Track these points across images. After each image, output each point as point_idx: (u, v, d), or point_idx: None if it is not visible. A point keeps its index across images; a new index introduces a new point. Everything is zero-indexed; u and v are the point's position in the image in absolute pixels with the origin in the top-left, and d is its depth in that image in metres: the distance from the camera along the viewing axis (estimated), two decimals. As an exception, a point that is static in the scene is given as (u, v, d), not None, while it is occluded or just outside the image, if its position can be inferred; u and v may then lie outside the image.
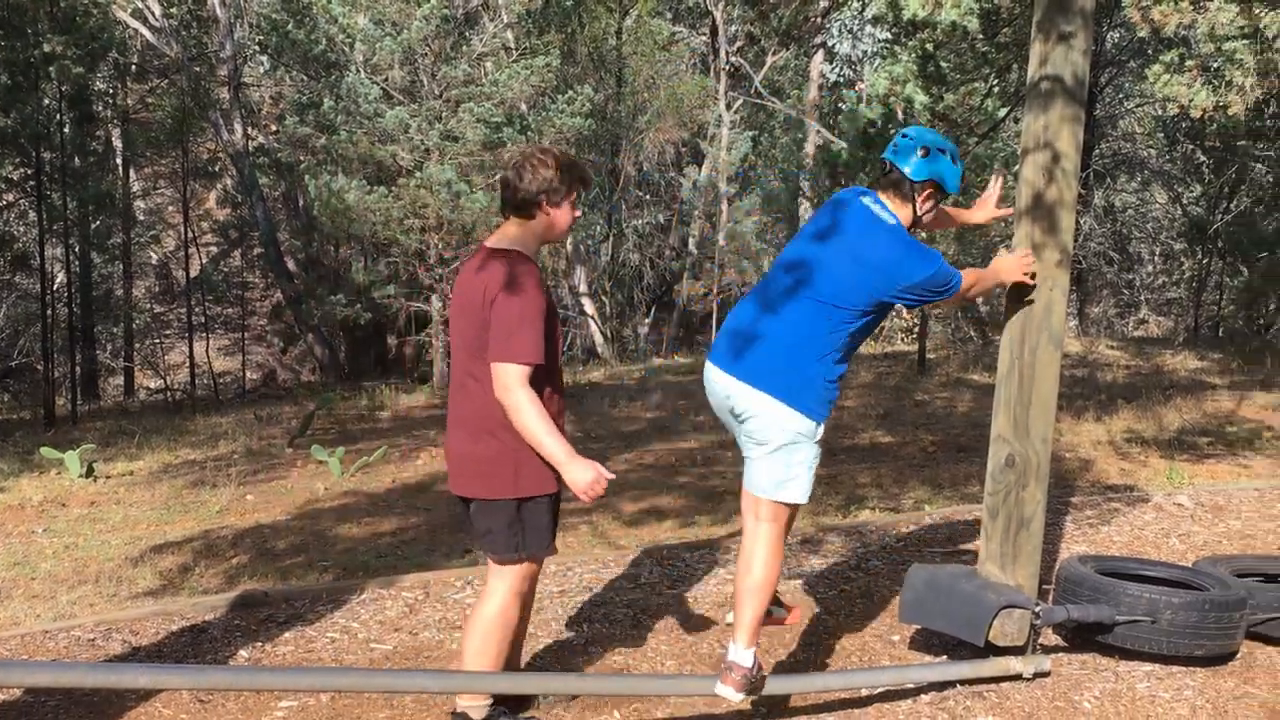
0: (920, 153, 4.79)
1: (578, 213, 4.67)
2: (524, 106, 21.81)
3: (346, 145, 19.59)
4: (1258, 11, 6.70)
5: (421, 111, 19.47)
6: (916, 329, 20.59)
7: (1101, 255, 27.36)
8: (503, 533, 4.48)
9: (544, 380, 4.41)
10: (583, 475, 4.38)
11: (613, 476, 4.48)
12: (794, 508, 4.75)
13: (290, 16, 21.69)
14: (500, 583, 4.56)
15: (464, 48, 20.46)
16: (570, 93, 21.20)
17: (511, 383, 4.27)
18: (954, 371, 16.50)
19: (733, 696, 4.53)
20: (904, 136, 4.91)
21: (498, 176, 20.23)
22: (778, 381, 4.52)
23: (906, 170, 4.77)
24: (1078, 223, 25.35)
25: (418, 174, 18.96)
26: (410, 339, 24.30)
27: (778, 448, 4.55)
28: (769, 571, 4.62)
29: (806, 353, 4.55)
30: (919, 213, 4.85)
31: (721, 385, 4.64)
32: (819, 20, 25.25)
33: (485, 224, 19.15)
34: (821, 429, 4.64)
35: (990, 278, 5.05)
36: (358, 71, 19.85)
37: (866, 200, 4.79)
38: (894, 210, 4.77)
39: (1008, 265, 5.05)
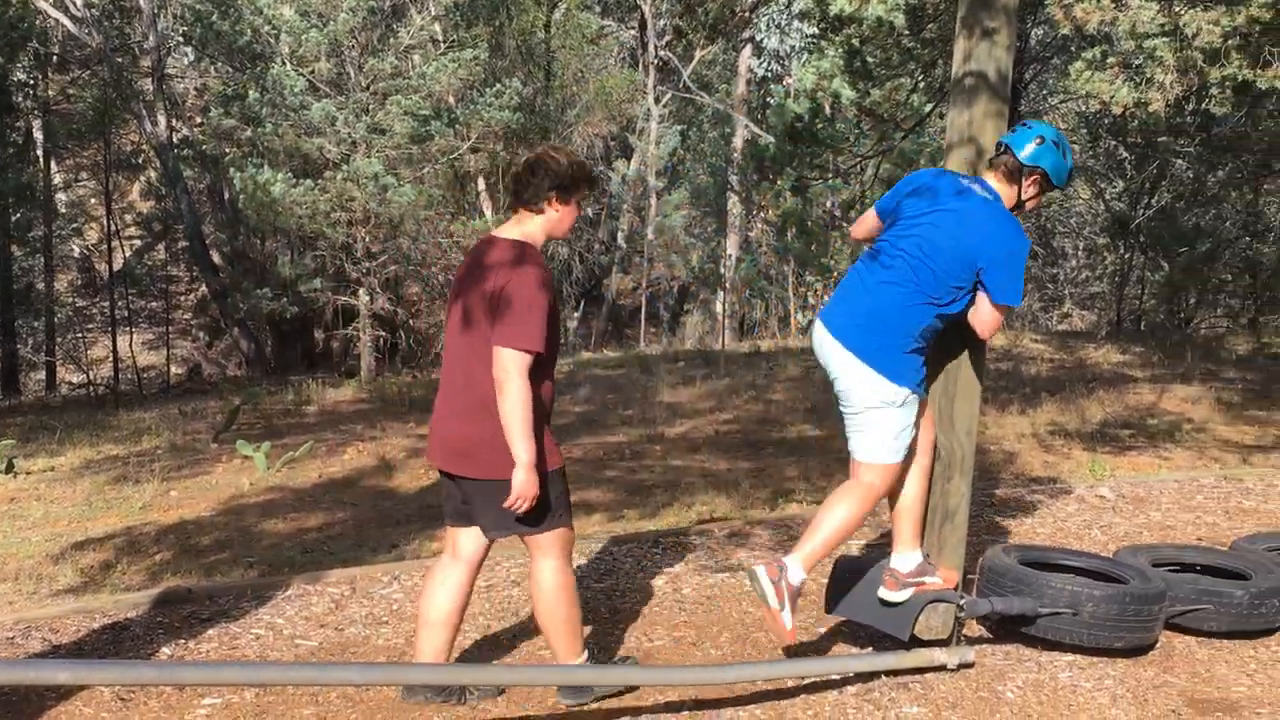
0: (1036, 141, 4.98)
1: (580, 211, 4.89)
2: (452, 99, 21.71)
3: (272, 138, 19.42)
4: (1177, 10, 6.79)
5: (348, 104, 19.35)
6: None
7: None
8: (532, 510, 4.57)
9: (542, 371, 4.58)
10: (528, 486, 4.46)
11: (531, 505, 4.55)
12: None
13: (214, 7, 21.42)
14: (546, 558, 4.76)
15: (391, 40, 20.35)
16: (498, 86, 21.13)
17: (510, 368, 4.41)
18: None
19: (896, 596, 5.10)
20: (1024, 125, 5.10)
21: (424, 169, 20.17)
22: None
23: (1020, 154, 4.96)
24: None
25: (344, 167, 18.84)
26: (338, 333, 24.13)
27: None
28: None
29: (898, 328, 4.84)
30: (1023, 197, 5.06)
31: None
32: (747, 15, 25.35)
33: (413, 217, 19.07)
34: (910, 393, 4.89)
35: None
36: (283, 63, 19.68)
37: (966, 181, 5.02)
38: (997, 190, 5.00)
39: None
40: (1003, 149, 5.03)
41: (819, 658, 5.49)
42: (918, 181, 5.11)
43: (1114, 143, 23.98)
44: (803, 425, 12.22)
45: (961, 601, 5.24)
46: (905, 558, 5.17)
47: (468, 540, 4.87)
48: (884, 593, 5.11)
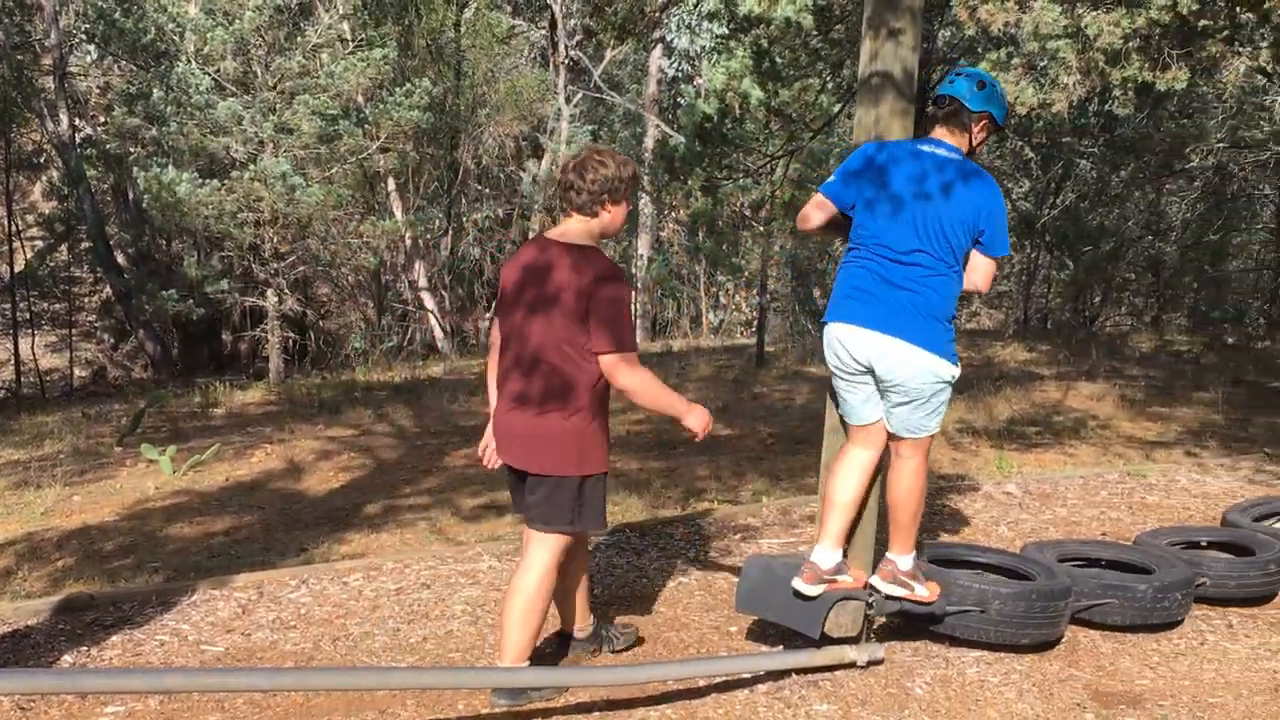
0: (979, 85, 5.12)
1: (630, 207, 5.11)
2: (361, 99, 21.54)
3: (177, 137, 19.16)
4: (1079, 12, 6.88)
5: (255, 103, 19.13)
6: (755, 321, 20.80)
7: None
8: (564, 507, 4.84)
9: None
10: (699, 419, 5.09)
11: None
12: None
13: (117, 5, 21.10)
14: (543, 553, 4.90)
15: (299, 39, 20.15)
16: (408, 85, 20.99)
17: (630, 368, 4.80)
18: (792, 364, 16.67)
19: (888, 588, 5.24)
20: (958, 73, 5.23)
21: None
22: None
23: (968, 101, 5.09)
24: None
25: (252, 167, 18.62)
26: (246, 335, 23.88)
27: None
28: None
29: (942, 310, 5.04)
30: (974, 143, 5.22)
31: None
32: (657, 15, 25.37)
33: (322, 218, 18.90)
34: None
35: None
36: (188, 62, 19.42)
37: (926, 147, 5.11)
38: (952, 143, 5.13)
39: None
40: (947, 101, 5.15)
41: (730, 657, 5.50)
42: (881, 159, 5.13)
43: (1020, 143, 24.28)
44: (714, 424, 12.23)
45: (871, 600, 5.27)
46: (827, 554, 5.23)
47: None
48: (799, 584, 5.15)
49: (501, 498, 9.13)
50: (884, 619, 5.47)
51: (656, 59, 28.43)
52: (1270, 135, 21.27)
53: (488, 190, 30.59)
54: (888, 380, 5.02)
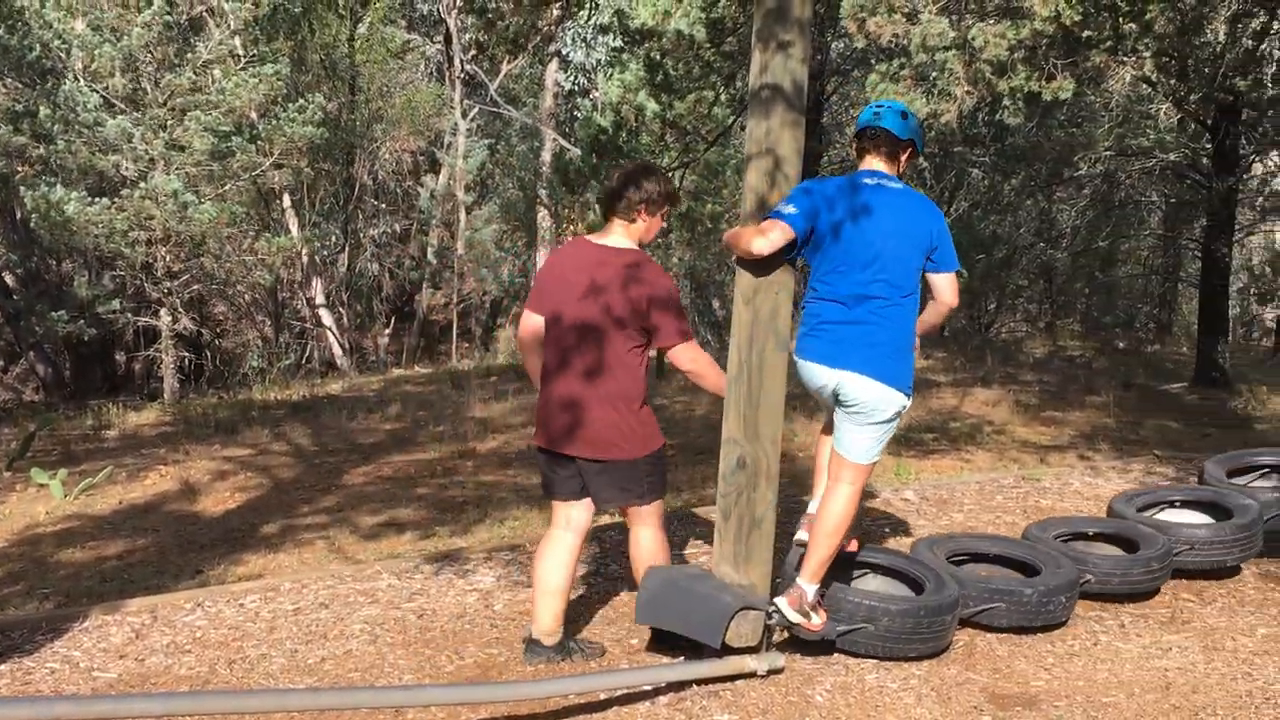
0: (901, 116, 5.42)
1: (664, 221, 5.56)
2: (254, 115, 21.31)
3: (65, 155, 18.82)
4: (966, 23, 6.98)
5: (145, 120, 18.86)
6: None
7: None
8: (642, 482, 5.40)
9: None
10: None
11: None
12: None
13: (0, 21, 20.70)
14: (645, 527, 5.55)
15: (189, 55, 19.89)
16: (301, 101, 20.80)
17: (696, 352, 5.40)
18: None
19: (788, 613, 5.32)
20: (879, 106, 5.49)
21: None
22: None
23: (897, 131, 5.38)
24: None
25: (142, 185, 18.34)
26: (140, 355, 23.50)
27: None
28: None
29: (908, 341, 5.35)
30: (901, 171, 5.50)
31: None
32: (552, 29, 25.36)
33: (215, 235, 18.65)
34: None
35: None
36: (76, 79, 19.09)
37: (871, 181, 5.36)
38: (889, 172, 5.43)
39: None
40: (878, 133, 5.40)
41: (631, 669, 5.50)
42: (833, 193, 5.33)
43: (921, 142, 24.55)
44: (615, 437, 12.22)
45: (770, 610, 5.30)
46: (809, 585, 5.43)
47: (580, 512, 5.55)
48: (779, 600, 5.38)
49: (399, 515, 9.07)
50: (784, 630, 5.50)
51: (553, 73, 28.39)
52: (1156, 143, 21.67)
53: (385, 206, 30.38)
54: (849, 405, 5.29)
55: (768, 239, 5.15)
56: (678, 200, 5.72)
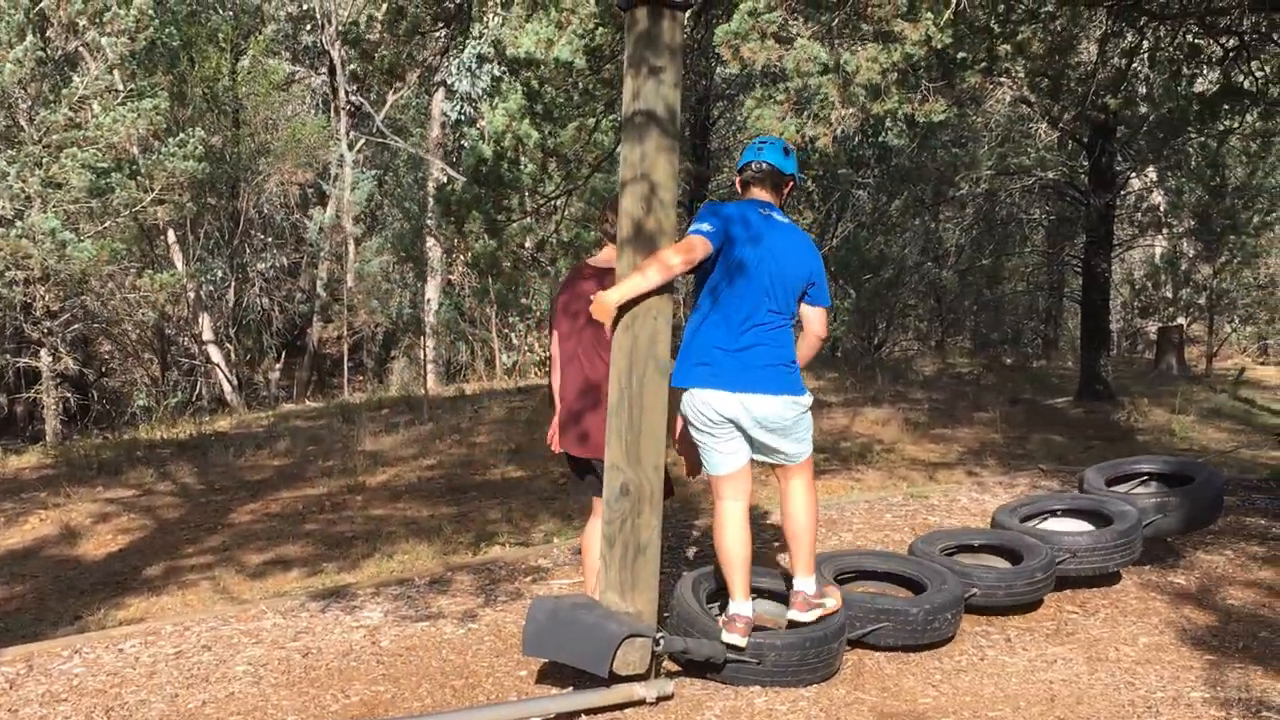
0: (784, 151, 5.76)
1: None
2: (135, 150, 20.97)
3: (-64, 195, 18.40)
4: (839, 49, 7.05)
5: (20, 158, 18.46)
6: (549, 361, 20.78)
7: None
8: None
9: None
10: None
11: None
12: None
13: None
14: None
15: (65, 90, 19.52)
16: (181, 135, 20.51)
17: None
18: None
19: (806, 618, 5.58)
20: (763, 142, 5.80)
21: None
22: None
23: (781, 166, 5.70)
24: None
25: (19, 223, 17.95)
26: (21, 397, 22.99)
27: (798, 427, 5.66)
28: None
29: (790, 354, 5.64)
30: (783, 202, 5.82)
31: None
32: (436, 59, 25.27)
33: (96, 273, 18.31)
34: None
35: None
36: (-52, 116, 18.68)
37: (764, 212, 5.66)
38: (775, 204, 5.74)
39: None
40: (759, 167, 5.71)
41: (519, 701, 5.44)
42: (737, 219, 5.58)
43: (801, 176, 24.77)
44: (506, 467, 12.18)
45: (659, 638, 5.28)
46: (808, 581, 5.67)
47: None
48: (793, 614, 5.61)
49: (286, 552, 8.96)
50: (670, 656, 5.49)
51: (439, 103, 28.27)
52: (1036, 161, 22.05)
53: (272, 239, 30.06)
54: (766, 425, 5.53)
55: (695, 252, 5.38)
56: None
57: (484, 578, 7.59)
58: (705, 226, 5.46)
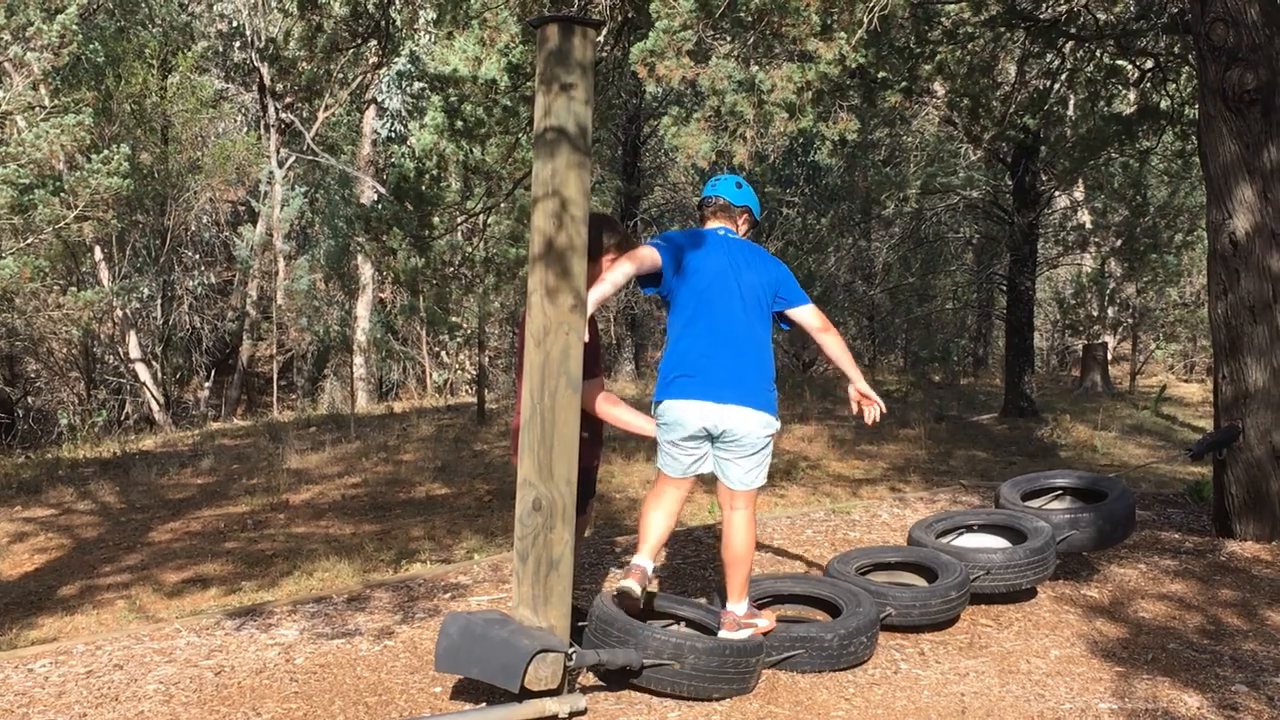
0: (736, 185, 6.10)
1: (607, 265, 5.93)
2: (61, 166, 20.77)
3: None
4: (753, 69, 7.11)
5: (-60, 176, 18.26)
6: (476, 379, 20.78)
7: (653, 301, 28.34)
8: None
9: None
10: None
11: None
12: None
13: None
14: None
15: (-13, 106, 19.33)
16: (107, 152, 20.33)
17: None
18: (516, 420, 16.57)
19: (736, 636, 5.71)
20: (718, 178, 6.19)
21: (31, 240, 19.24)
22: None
23: (731, 198, 6.05)
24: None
25: (-61, 241, 17.77)
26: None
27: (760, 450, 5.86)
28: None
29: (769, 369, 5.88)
30: (740, 233, 6.10)
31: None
32: (369, 76, 25.22)
33: (19, 291, 18.11)
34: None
35: (853, 365, 6.25)
36: None
37: (721, 232, 6.01)
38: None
39: (863, 380, 6.33)
40: (713, 199, 6.09)
41: (431, 717, 5.43)
42: (692, 243, 5.95)
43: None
44: (432, 484, 12.16)
45: (570, 652, 5.28)
46: (739, 604, 5.87)
47: None
48: (724, 634, 5.73)
49: (205, 570, 8.90)
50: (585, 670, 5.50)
51: (370, 120, 28.20)
52: (965, 181, 22.29)
53: (199, 256, 29.84)
54: (730, 439, 5.74)
55: (643, 259, 5.82)
56: (622, 244, 6.07)
57: (403, 595, 7.56)
58: (655, 243, 5.90)
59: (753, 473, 5.86)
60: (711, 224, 6.09)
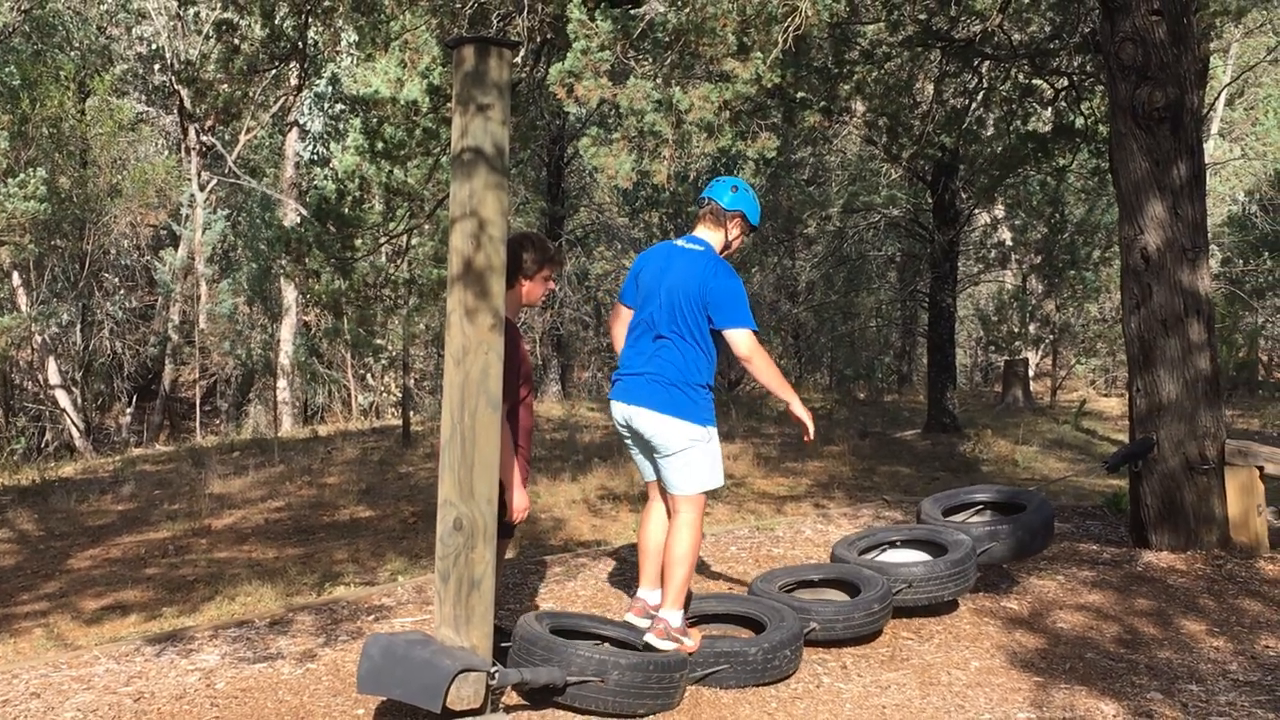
0: (732, 189, 6.23)
1: (551, 285, 6.21)
2: (-23, 190, 20.53)
3: None
4: (672, 89, 7.16)
5: None
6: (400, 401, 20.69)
7: (578, 321, 28.40)
8: None
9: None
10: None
11: None
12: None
13: None
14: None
15: (-100, 129, 19.10)
16: (23, 175, 20.11)
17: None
18: (439, 442, 16.51)
19: (662, 645, 5.82)
20: (718, 180, 6.35)
21: None
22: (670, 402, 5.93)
23: (722, 202, 6.18)
24: (552, 291, 26.33)
25: None
26: None
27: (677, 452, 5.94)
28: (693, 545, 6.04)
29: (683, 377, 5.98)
30: (730, 237, 6.24)
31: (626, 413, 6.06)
32: (290, 98, 25.08)
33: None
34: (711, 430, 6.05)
35: (783, 390, 6.29)
36: None
37: (680, 242, 6.24)
38: (708, 237, 6.19)
39: (797, 404, 6.37)
40: (706, 202, 6.23)
41: (353, 740, 5.42)
42: (643, 261, 6.31)
43: (655, 214, 25.02)
44: (356, 507, 12.11)
45: (493, 671, 5.28)
46: (672, 613, 5.96)
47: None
48: (650, 638, 5.88)
49: (124, 598, 8.80)
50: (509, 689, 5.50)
51: (293, 142, 28.04)
52: (887, 199, 22.51)
53: (119, 280, 29.53)
54: (647, 441, 6.00)
55: (618, 316, 6.44)
56: (559, 262, 6.33)
57: (325, 618, 7.52)
58: (624, 285, 6.41)
59: (679, 475, 5.96)
60: (698, 227, 6.26)
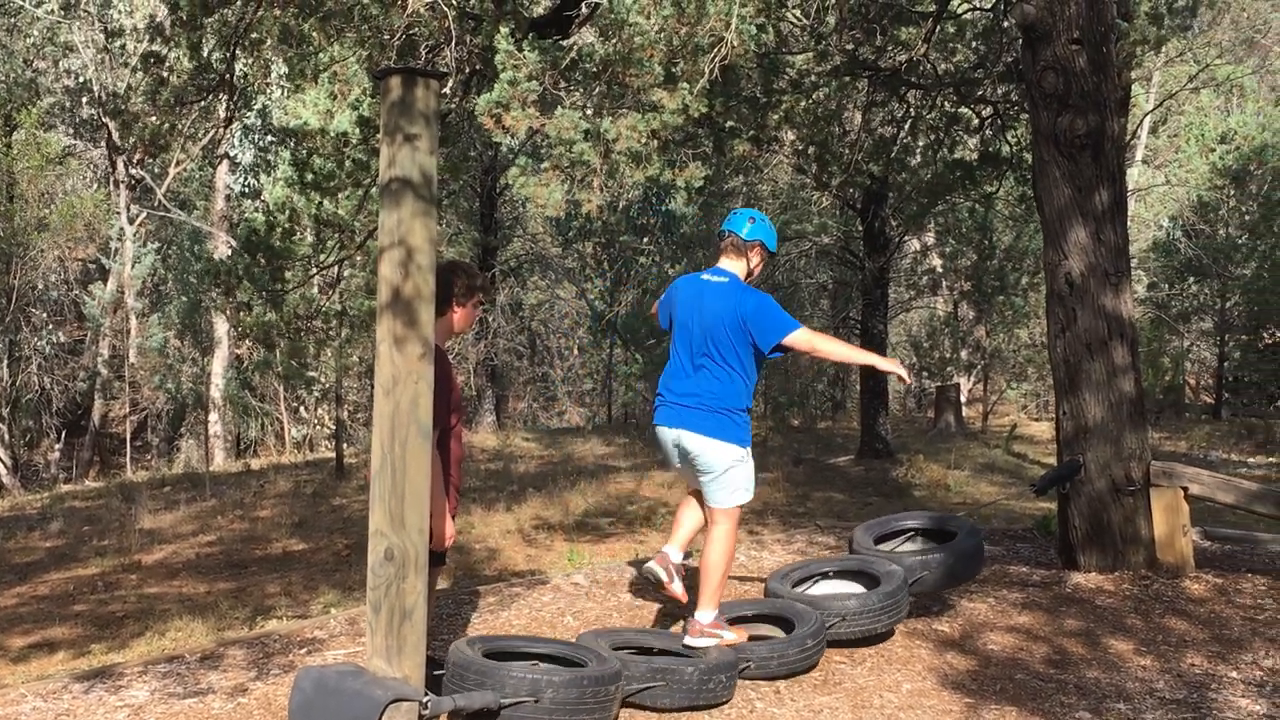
0: (750, 220, 6.62)
1: (478, 313, 6.29)
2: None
3: None
4: (599, 120, 7.20)
5: None
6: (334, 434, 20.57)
7: (512, 351, 28.37)
8: None
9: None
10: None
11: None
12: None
13: None
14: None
15: None
16: (-51, 210, 19.90)
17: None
18: (369, 473, 16.41)
19: (699, 643, 6.33)
20: (736, 212, 6.78)
21: None
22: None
23: (741, 233, 6.58)
24: (485, 321, 26.51)
25: None
26: None
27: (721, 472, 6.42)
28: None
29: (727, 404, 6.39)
30: (751, 266, 6.65)
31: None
32: (220, 131, 24.96)
33: None
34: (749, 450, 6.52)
35: (858, 355, 6.92)
36: None
37: (706, 276, 6.63)
38: (731, 268, 6.61)
39: (880, 360, 6.79)
40: (726, 234, 6.64)
41: (285, 774, 5.38)
42: (674, 292, 6.76)
43: (589, 244, 25.06)
44: (289, 540, 12.03)
45: (425, 700, 5.26)
46: (705, 612, 6.46)
47: None
48: (687, 639, 6.35)
49: (52, 635, 8.70)
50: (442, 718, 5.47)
51: (223, 175, 27.89)
52: (819, 227, 22.67)
53: (46, 315, 29.20)
54: (689, 460, 6.44)
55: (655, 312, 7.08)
56: (488, 291, 6.42)
57: (257, 651, 7.46)
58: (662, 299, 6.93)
59: (721, 492, 6.46)
60: (721, 259, 6.67)
